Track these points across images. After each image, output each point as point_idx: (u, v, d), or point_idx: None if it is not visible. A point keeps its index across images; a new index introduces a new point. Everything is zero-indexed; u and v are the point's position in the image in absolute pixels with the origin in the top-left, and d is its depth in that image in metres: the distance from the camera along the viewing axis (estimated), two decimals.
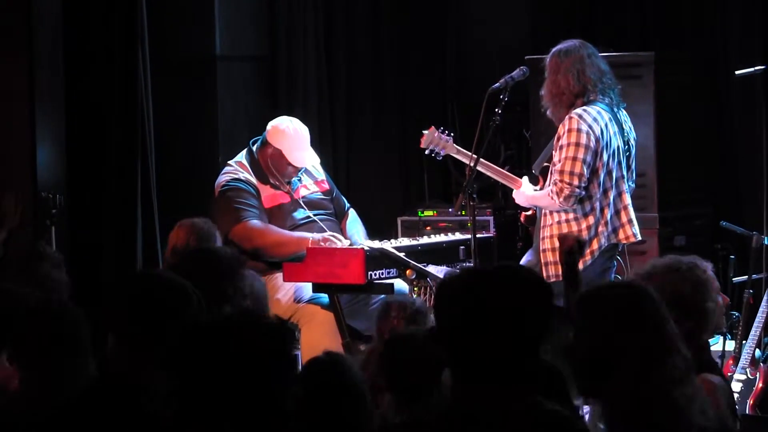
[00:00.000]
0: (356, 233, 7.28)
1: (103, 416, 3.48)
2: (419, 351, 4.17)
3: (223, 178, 7.29)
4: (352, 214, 7.53)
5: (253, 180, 7.25)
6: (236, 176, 7.26)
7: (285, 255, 6.95)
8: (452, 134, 6.97)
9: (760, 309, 6.71)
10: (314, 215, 7.31)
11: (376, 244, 6.92)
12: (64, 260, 5.79)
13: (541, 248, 6.59)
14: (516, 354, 3.09)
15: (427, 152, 6.99)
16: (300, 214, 7.31)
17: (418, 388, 4.13)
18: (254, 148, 7.35)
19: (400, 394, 4.18)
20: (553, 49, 6.65)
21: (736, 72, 7.61)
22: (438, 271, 6.59)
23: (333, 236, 7.04)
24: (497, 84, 6.68)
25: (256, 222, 7.11)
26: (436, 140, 6.93)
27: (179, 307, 3.70)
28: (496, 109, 6.58)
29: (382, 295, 6.82)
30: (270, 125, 7.35)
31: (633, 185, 6.73)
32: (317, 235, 7.05)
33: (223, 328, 3.07)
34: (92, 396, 3.59)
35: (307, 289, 6.94)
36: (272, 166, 7.28)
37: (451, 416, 3.09)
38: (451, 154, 6.96)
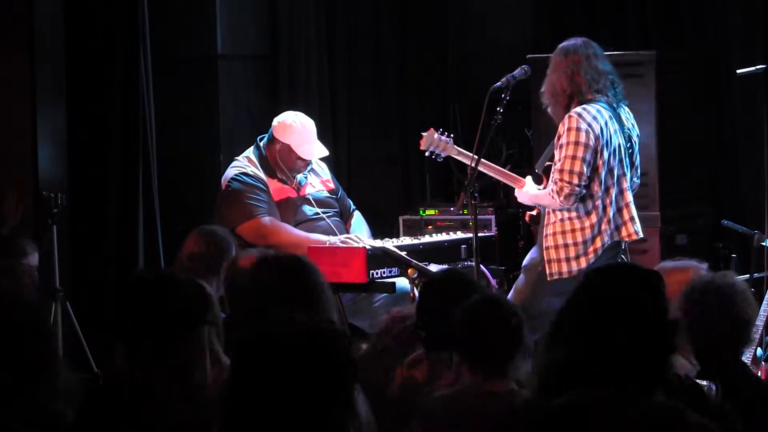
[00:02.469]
0: (360, 234, 7.27)
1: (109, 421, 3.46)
2: (499, 316, 4.17)
3: (231, 172, 7.30)
4: (357, 215, 7.54)
5: (262, 175, 7.26)
6: (244, 170, 7.27)
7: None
8: (452, 135, 6.95)
9: (762, 308, 6.70)
10: (322, 213, 7.34)
11: (378, 242, 6.92)
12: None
13: (544, 246, 6.59)
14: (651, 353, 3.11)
15: (427, 154, 6.97)
16: (307, 210, 7.33)
17: (497, 351, 4.13)
18: (261, 144, 7.36)
19: (473, 358, 4.17)
20: (558, 46, 6.66)
21: (738, 71, 7.60)
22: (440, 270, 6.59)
23: (350, 238, 7.03)
24: (499, 83, 6.68)
25: (268, 219, 7.13)
26: (436, 142, 6.90)
27: (193, 311, 3.64)
28: (498, 108, 6.58)
29: (384, 294, 6.83)
30: (276, 121, 7.37)
31: (638, 181, 6.74)
32: (334, 238, 7.05)
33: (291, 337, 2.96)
34: (100, 401, 3.56)
35: None
36: (281, 162, 7.30)
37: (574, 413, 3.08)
38: (452, 156, 6.95)
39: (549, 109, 6.67)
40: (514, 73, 6.73)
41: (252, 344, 2.95)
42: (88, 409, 3.54)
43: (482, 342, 4.15)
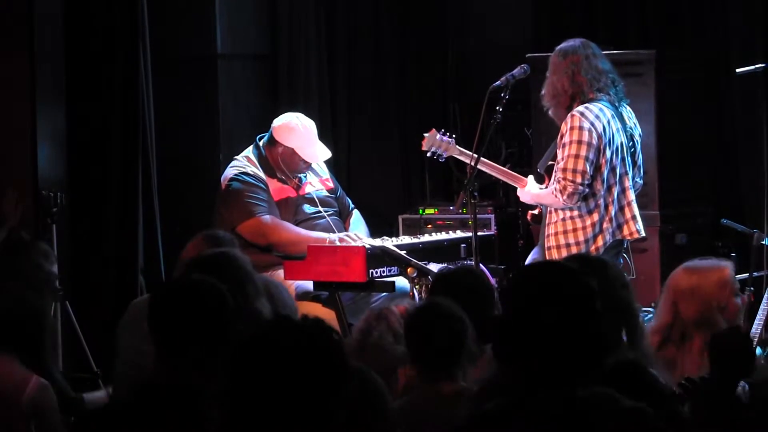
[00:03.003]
0: (359, 233, 7.27)
1: (155, 418, 3.47)
2: (444, 319, 4.21)
3: (230, 172, 7.30)
4: (356, 214, 7.54)
5: (261, 174, 7.27)
6: (244, 170, 7.27)
7: (300, 253, 6.92)
8: (454, 136, 6.96)
9: (761, 307, 6.71)
10: (323, 212, 7.34)
11: (377, 242, 6.92)
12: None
13: (546, 245, 6.59)
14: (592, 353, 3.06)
15: (429, 154, 6.97)
16: (307, 209, 7.33)
17: (443, 357, 4.16)
18: (261, 144, 7.36)
19: (424, 365, 4.20)
20: (556, 48, 6.66)
21: (737, 70, 7.60)
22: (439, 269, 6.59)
23: (349, 236, 7.03)
24: (498, 82, 6.69)
25: (268, 217, 7.13)
26: (437, 143, 6.91)
27: (218, 313, 3.70)
28: (497, 108, 6.59)
29: (384, 293, 6.83)
30: (276, 123, 7.36)
31: (640, 181, 6.74)
32: (334, 236, 7.05)
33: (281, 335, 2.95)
34: (144, 398, 3.56)
35: (308, 286, 6.94)
36: (283, 164, 7.30)
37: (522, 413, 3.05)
38: (454, 156, 6.95)
39: (550, 112, 6.68)
40: (514, 72, 6.73)
41: (250, 344, 2.94)
42: (130, 410, 3.58)
43: (427, 345, 4.22)
